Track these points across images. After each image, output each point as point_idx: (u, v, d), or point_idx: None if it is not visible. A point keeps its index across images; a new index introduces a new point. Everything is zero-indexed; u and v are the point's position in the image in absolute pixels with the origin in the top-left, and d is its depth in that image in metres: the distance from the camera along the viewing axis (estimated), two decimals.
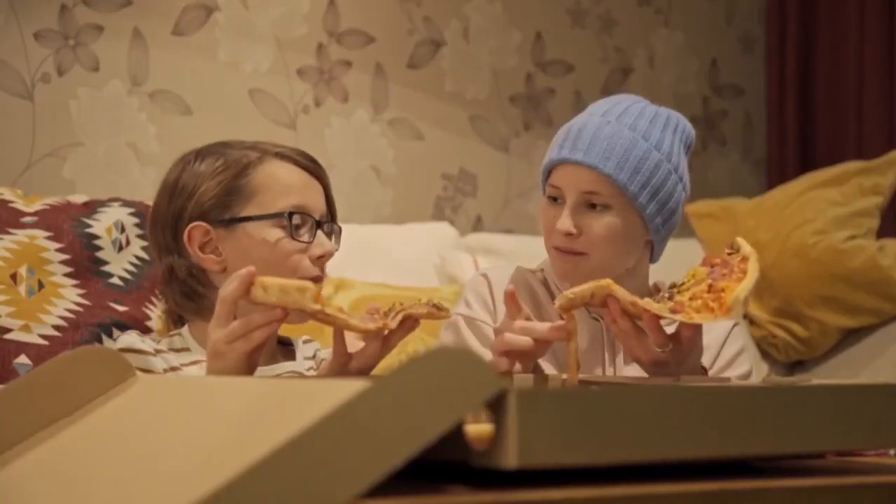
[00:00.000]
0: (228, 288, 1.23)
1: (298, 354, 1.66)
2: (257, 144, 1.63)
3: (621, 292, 1.37)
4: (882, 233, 2.79)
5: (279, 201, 1.55)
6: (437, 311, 1.31)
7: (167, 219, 1.61)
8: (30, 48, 2.43)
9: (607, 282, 1.37)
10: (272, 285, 1.21)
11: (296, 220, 1.54)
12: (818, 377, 2.51)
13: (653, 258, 1.68)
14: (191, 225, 1.57)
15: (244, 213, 1.56)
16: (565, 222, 1.57)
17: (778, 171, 3.34)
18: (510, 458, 0.75)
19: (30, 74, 2.43)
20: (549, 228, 1.61)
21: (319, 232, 1.56)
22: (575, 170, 1.58)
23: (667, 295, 1.37)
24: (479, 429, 0.77)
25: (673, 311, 1.33)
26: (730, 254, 1.40)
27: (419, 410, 0.73)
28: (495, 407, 0.76)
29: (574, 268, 1.59)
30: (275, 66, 2.71)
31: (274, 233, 1.54)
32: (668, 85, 3.30)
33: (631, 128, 1.59)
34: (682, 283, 1.38)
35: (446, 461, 0.79)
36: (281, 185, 1.57)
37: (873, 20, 3.17)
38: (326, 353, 1.66)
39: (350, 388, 0.73)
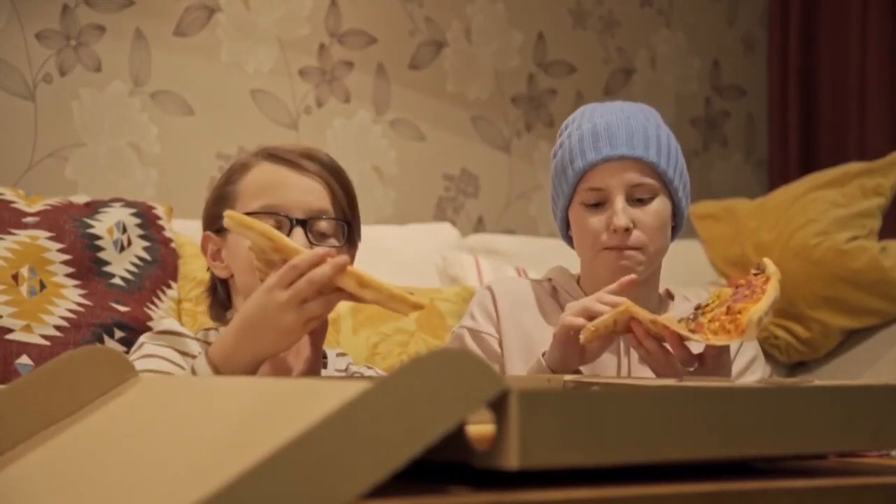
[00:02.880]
0: (322, 269, 1.22)
1: (330, 366, 1.65)
2: (262, 149, 1.61)
3: (642, 313, 1.39)
4: (884, 234, 2.79)
5: (252, 203, 1.52)
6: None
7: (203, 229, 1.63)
8: (32, 48, 2.43)
9: (626, 306, 1.40)
10: (378, 288, 1.21)
11: (267, 221, 1.47)
12: (820, 378, 2.51)
13: (674, 237, 1.70)
14: (202, 235, 1.59)
15: None
16: (623, 218, 1.57)
17: (780, 171, 3.34)
18: (511, 459, 0.75)
19: (31, 75, 2.43)
20: (594, 234, 1.60)
21: (297, 230, 1.50)
22: (620, 165, 1.59)
23: (691, 316, 1.39)
24: (480, 429, 0.77)
25: (692, 332, 1.35)
26: (755, 274, 1.41)
27: (421, 411, 0.73)
28: (497, 407, 0.76)
29: (631, 262, 1.58)
30: (277, 66, 2.71)
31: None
32: (670, 86, 3.30)
33: (646, 120, 1.63)
34: (707, 305, 1.40)
35: (448, 462, 0.79)
36: (256, 187, 1.54)
37: (875, 21, 3.17)
38: (358, 368, 1.66)
39: (351, 388, 0.73)
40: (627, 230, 1.57)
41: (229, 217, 1.30)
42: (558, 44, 3.12)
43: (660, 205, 1.61)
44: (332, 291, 1.24)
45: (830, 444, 0.95)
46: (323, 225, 1.54)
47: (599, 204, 1.60)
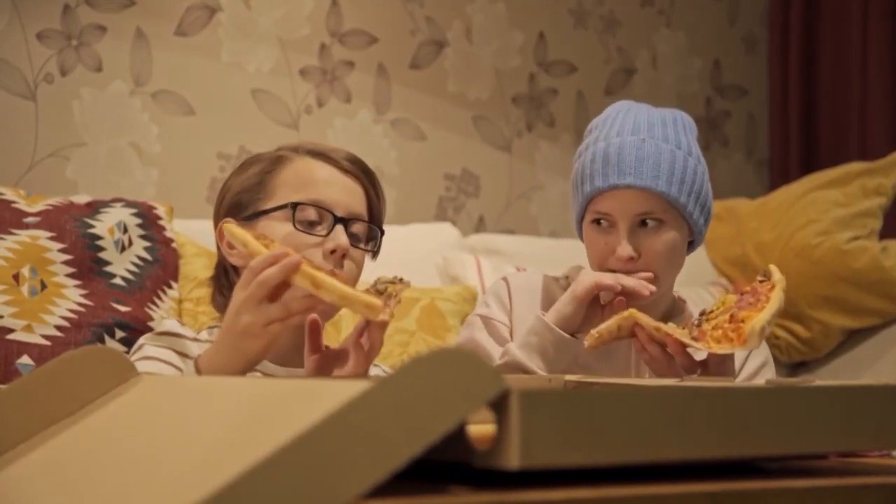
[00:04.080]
0: (270, 271, 1.24)
1: None
2: (302, 145, 1.61)
3: (645, 319, 1.40)
4: (885, 233, 2.79)
5: (294, 195, 1.52)
6: (402, 283, 1.33)
7: (214, 218, 1.61)
8: (33, 48, 2.43)
9: (630, 312, 1.41)
10: (331, 288, 1.22)
11: (310, 213, 1.51)
12: (821, 378, 2.51)
13: (691, 251, 1.70)
14: (221, 222, 1.57)
15: (263, 208, 1.54)
16: (626, 249, 1.56)
17: (781, 171, 3.34)
18: (512, 459, 0.75)
19: (32, 75, 2.43)
20: (602, 254, 1.59)
21: (338, 227, 1.51)
22: (626, 194, 1.57)
23: (696, 322, 1.39)
24: (481, 429, 0.77)
25: (694, 339, 1.35)
26: (761, 281, 1.41)
27: (421, 411, 0.73)
28: (497, 407, 0.76)
29: None
30: (277, 66, 2.71)
31: (286, 226, 1.51)
32: (671, 85, 3.30)
33: (664, 140, 1.59)
34: (711, 311, 1.40)
35: (448, 462, 0.79)
36: (301, 180, 1.54)
37: (876, 20, 3.16)
38: None
39: (352, 388, 0.73)
40: (631, 259, 1.57)
41: (228, 229, 1.34)
42: (559, 43, 3.12)
43: (669, 234, 1.59)
44: (305, 297, 1.25)
45: (831, 444, 0.94)
46: (358, 228, 1.56)
47: (608, 226, 1.59)
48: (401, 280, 1.32)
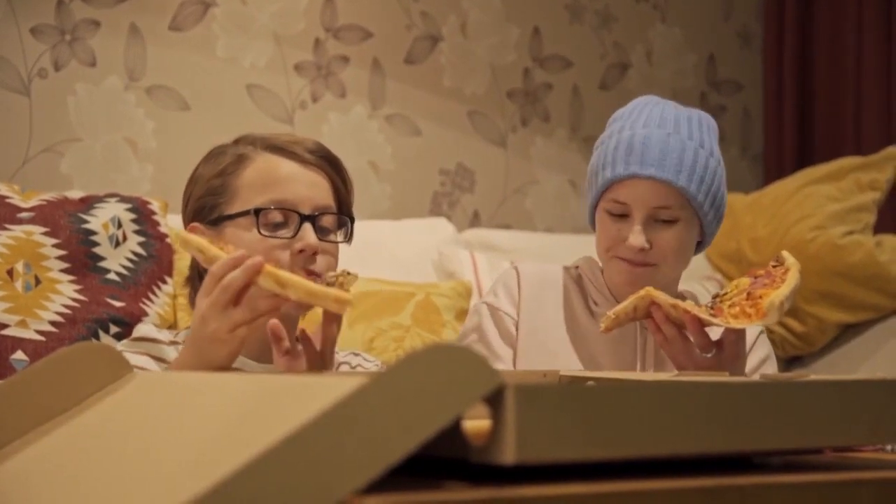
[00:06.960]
0: (233, 275, 1.21)
1: None
2: (259, 139, 1.57)
3: (662, 297, 1.40)
4: (879, 228, 2.79)
5: (257, 198, 1.49)
6: (349, 275, 1.32)
7: (183, 217, 1.59)
8: (26, 43, 2.43)
9: (647, 291, 1.40)
10: (297, 286, 1.19)
11: (275, 216, 1.48)
12: (816, 373, 2.51)
13: (699, 251, 1.70)
14: (189, 225, 1.55)
15: (228, 212, 1.51)
16: (639, 238, 1.56)
17: (776, 166, 3.34)
18: (508, 454, 0.75)
19: (26, 70, 2.42)
20: (612, 241, 1.59)
21: (305, 226, 1.48)
22: (646, 185, 1.57)
23: (709, 304, 1.40)
24: (476, 424, 0.77)
25: (712, 316, 1.36)
26: (775, 266, 1.42)
27: (417, 406, 0.73)
28: (493, 402, 0.76)
29: (643, 278, 1.58)
30: (272, 61, 2.70)
31: (253, 233, 1.48)
32: (666, 80, 3.30)
33: (689, 137, 1.60)
34: (725, 294, 1.41)
35: (444, 457, 0.79)
36: (263, 180, 1.51)
37: (871, 15, 3.16)
38: (342, 356, 1.64)
39: (348, 384, 0.73)
40: (643, 249, 1.57)
41: (182, 239, 1.30)
42: (554, 38, 3.12)
43: (682, 229, 1.59)
44: (270, 297, 1.22)
45: (826, 439, 0.95)
46: (327, 220, 1.53)
47: (622, 214, 1.59)
48: (348, 273, 1.31)
